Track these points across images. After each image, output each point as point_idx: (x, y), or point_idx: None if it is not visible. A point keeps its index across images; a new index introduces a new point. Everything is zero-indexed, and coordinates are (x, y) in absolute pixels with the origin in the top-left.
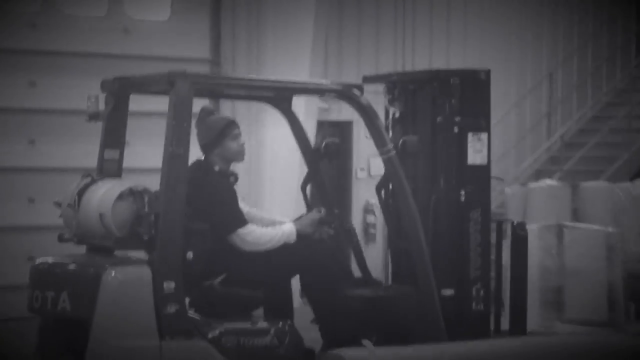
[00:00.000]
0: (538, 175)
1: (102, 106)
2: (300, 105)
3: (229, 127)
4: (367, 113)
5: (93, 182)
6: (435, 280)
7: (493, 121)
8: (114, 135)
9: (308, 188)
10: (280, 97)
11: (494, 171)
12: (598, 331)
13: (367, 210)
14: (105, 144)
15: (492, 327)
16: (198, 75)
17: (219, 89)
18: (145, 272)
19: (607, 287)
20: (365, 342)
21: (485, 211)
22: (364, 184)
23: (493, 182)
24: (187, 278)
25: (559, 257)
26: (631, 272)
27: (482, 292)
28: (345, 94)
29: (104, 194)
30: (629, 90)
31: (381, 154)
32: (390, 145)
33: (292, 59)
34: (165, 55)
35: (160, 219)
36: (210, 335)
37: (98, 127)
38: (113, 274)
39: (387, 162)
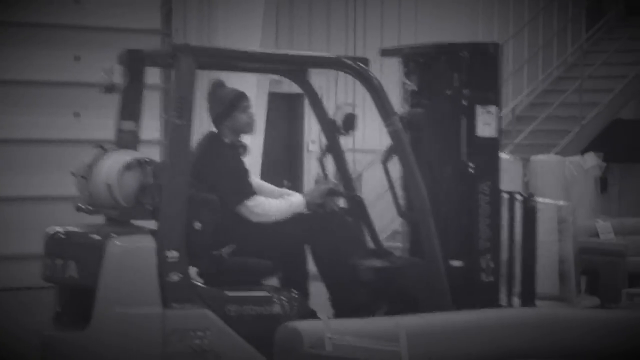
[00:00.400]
0: None
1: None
2: (252, 77)
3: (239, 99)
4: (373, 86)
5: (104, 153)
6: (443, 252)
7: None
8: (131, 107)
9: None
10: (293, 69)
11: None
12: (549, 305)
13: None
14: (122, 116)
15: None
16: (200, 48)
17: (223, 61)
18: (149, 241)
19: (558, 261)
20: (321, 315)
21: (494, 183)
22: (315, 156)
23: None
24: (196, 248)
25: (510, 230)
26: (582, 246)
27: (491, 263)
28: (351, 67)
29: (111, 165)
30: (579, 64)
31: (387, 126)
32: (396, 118)
33: (243, 30)
34: (116, 26)
35: (163, 189)
36: (213, 303)
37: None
38: (117, 242)
39: (393, 135)
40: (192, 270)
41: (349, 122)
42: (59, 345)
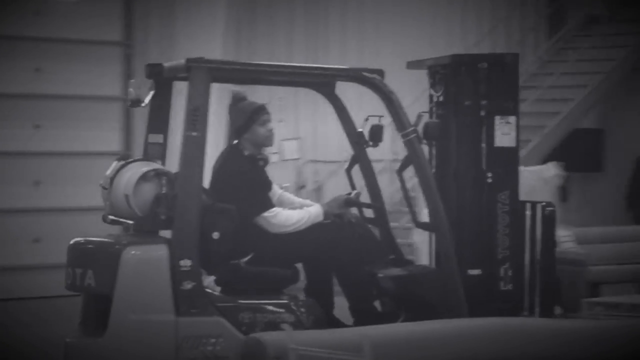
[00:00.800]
0: None
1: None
2: (214, 87)
3: (257, 112)
4: (388, 97)
5: (125, 164)
6: (462, 260)
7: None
8: (158, 120)
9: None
10: (321, 82)
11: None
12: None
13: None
14: (149, 129)
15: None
16: (214, 62)
17: (238, 75)
18: (163, 251)
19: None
20: (286, 326)
21: (513, 193)
22: (277, 167)
23: None
24: (214, 257)
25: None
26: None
27: (510, 272)
28: (367, 79)
29: (129, 176)
30: (540, 74)
31: (402, 137)
32: (411, 129)
33: (204, 40)
34: (76, 37)
35: (177, 200)
36: (226, 311)
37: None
38: (132, 252)
39: (408, 145)
40: (210, 279)
41: (376, 134)
42: (80, 352)
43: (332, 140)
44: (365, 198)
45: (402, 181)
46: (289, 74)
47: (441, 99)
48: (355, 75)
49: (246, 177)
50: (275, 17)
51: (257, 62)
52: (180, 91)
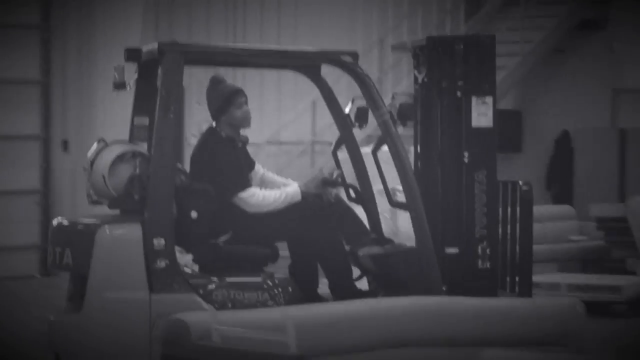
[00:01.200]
0: (369, 140)
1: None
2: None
3: (234, 95)
4: (362, 79)
5: (105, 146)
6: (440, 239)
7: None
8: (143, 103)
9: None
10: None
11: (327, 137)
12: None
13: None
14: (134, 112)
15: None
16: (187, 45)
17: (211, 57)
18: (136, 230)
19: None
20: (208, 306)
21: (491, 172)
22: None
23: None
24: (193, 237)
25: (393, 222)
26: None
27: (488, 250)
28: (341, 61)
29: (106, 157)
30: None
31: (376, 117)
32: (385, 110)
33: (123, 24)
34: None
35: (149, 180)
36: (200, 289)
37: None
38: (106, 231)
39: (382, 126)
40: (188, 258)
41: (362, 116)
42: (62, 328)
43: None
44: (352, 179)
45: (377, 161)
46: (264, 56)
47: (425, 80)
48: (332, 58)
49: (223, 158)
50: (194, 2)
51: (232, 45)
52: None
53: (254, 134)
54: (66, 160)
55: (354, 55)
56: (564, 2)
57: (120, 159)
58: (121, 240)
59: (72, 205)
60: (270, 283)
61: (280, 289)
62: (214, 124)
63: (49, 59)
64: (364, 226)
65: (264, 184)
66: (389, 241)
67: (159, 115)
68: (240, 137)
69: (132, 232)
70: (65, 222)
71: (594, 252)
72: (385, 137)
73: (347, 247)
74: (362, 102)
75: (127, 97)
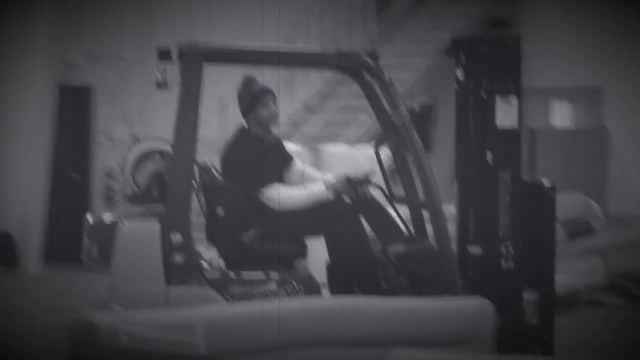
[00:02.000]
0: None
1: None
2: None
3: (260, 94)
4: (380, 79)
5: (136, 144)
6: (463, 238)
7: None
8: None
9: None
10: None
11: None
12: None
13: (109, 175)
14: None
15: None
16: (206, 45)
17: (230, 57)
18: (154, 225)
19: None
20: (115, 306)
21: (515, 172)
22: (107, 150)
23: None
24: (219, 232)
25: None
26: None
27: (511, 250)
28: (360, 62)
29: (131, 154)
30: None
31: (395, 118)
32: (402, 109)
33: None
34: None
35: (168, 177)
36: (217, 284)
37: None
38: (126, 225)
39: (402, 127)
40: (212, 254)
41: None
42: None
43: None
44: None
45: (379, 158)
46: (282, 57)
47: (462, 79)
48: (352, 59)
49: (249, 156)
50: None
51: (251, 45)
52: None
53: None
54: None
55: (374, 55)
56: (474, 1)
57: (143, 156)
58: (139, 235)
59: None
60: (288, 278)
61: (297, 284)
62: (245, 123)
63: None
64: (396, 224)
65: (303, 179)
66: (421, 240)
67: (178, 114)
68: (269, 135)
69: (150, 227)
70: (96, 218)
71: None
72: (405, 138)
73: (379, 245)
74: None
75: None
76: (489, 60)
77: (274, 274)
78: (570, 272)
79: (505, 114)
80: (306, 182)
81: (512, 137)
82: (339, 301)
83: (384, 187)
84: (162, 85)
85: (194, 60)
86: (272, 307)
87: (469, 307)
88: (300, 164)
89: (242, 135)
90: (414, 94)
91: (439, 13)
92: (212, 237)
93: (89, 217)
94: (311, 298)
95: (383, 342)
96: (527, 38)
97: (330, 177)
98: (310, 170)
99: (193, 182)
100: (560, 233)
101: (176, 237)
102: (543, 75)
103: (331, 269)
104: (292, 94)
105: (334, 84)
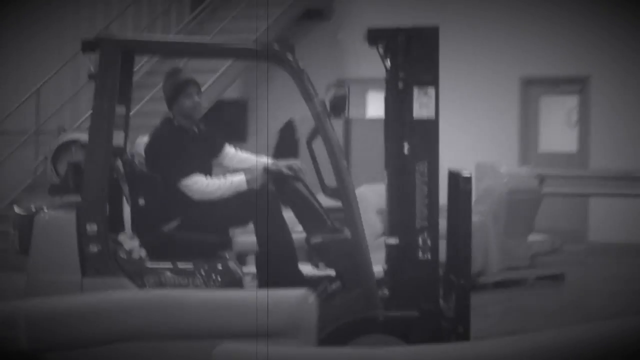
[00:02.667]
0: None
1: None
2: None
3: (183, 85)
4: (294, 71)
5: (61, 135)
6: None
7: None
8: (120, 92)
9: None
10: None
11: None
12: None
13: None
14: None
15: None
16: (122, 37)
17: (148, 49)
18: (71, 215)
19: None
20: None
21: (432, 163)
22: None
23: None
24: (141, 223)
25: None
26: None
27: (428, 241)
28: (272, 53)
29: (51, 145)
30: None
31: (309, 109)
32: (317, 100)
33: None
34: None
35: (84, 168)
36: (133, 274)
37: None
38: (44, 216)
39: (315, 117)
40: (134, 244)
41: (339, 105)
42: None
43: None
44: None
45: (312, 151)
46: (197, 51)
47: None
48: (272, 52)
49: (171, 146)
50: None
51: (165, 38)
52: None
53: None
54: None
55: (290, 47)
56: None
57: (62, 146)
58: (56, 225)
59: None
60: (207, 269)
61: (215, 274)
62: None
63: None
64: (322, 216)
65: (243, 164)
66: (341, 230)
67: (94, 105)
68: (196, 125)
69: (67, 218)
70: (20, 208)
71: None
72: (319, 128)
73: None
74: (341, 91)
75: None
76: (406, 51)
77: (187, 265)
78: None
79: (422, 105)
80: (241, 165)
81: (429, 127)
82: (162, 293)
83: (317, 178)
84: (93, 76)
85: (110, 51)
86: (103, 299)
87: (292, 298)
88: (233, 150)
89: (166, 126)
90: (228, 85)
91: (253, 4)
92: (136, 228)
93: (16, 208)
94: (145, 291)
95: (205, 334)
96: (343, 29)
97: (258, 165)
98: (244, 155)
99: (116, 172)
100: None
101: (92, 227)
102: (359, 66)
103: (259, 259)
104: None
105: (147, 75)
